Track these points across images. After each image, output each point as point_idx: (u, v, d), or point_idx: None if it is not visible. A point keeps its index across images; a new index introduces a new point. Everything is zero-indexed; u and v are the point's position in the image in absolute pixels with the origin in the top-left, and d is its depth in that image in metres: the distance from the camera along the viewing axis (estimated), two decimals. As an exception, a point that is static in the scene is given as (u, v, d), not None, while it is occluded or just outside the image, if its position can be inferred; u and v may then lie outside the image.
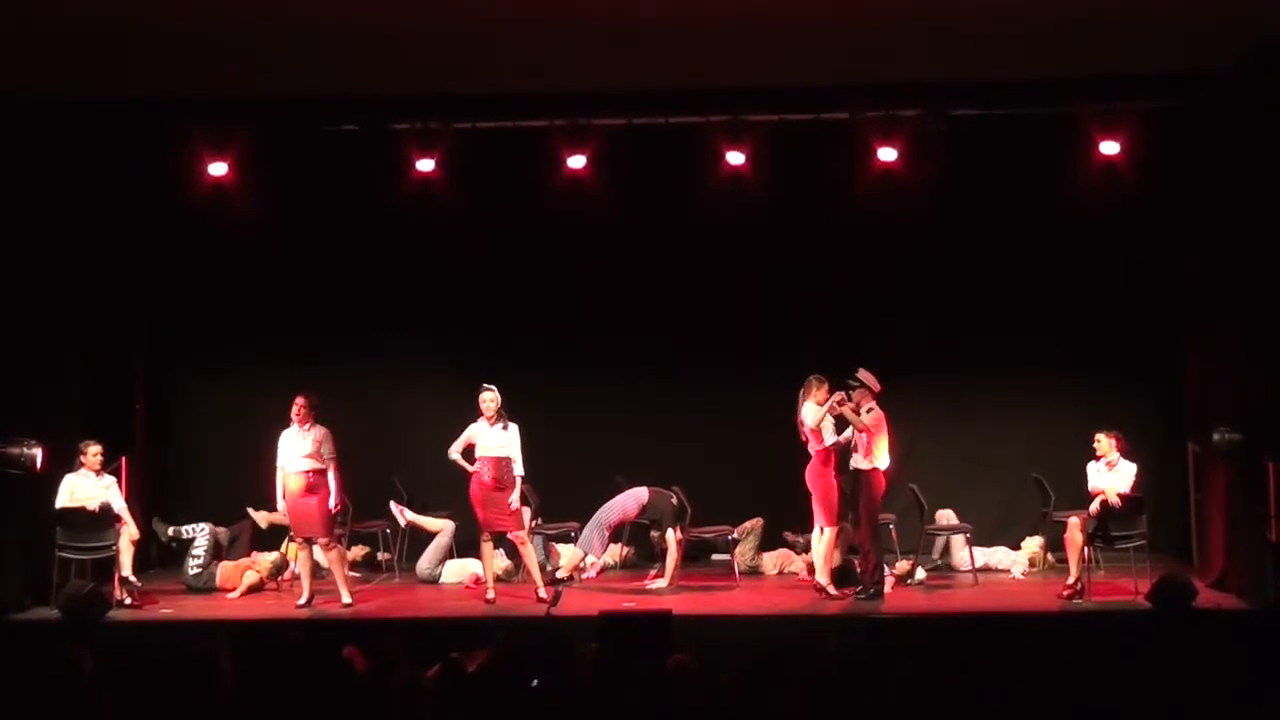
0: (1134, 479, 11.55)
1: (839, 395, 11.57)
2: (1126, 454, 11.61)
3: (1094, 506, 11.45)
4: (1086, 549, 11.43)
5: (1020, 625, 10.58)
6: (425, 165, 12.56)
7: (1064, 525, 11.71)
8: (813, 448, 11.66)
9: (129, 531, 11.71)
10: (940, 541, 13.09)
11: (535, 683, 6.68)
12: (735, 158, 12.45)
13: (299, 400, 11.52)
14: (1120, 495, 11.43)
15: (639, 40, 10.64)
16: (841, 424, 11.67)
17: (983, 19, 10.39)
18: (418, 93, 12.03)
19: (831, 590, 11.56)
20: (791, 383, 12.01)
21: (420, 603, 12.05)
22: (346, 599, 11.51)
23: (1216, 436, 11.44)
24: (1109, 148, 12.25)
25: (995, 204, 13.36)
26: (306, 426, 11.49)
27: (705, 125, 12.43)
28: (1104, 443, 11.53)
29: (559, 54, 10.98)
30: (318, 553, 11.75)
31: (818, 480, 11.63)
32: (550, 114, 12.33)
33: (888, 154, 12.37)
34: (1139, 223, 13.24)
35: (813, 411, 11.61)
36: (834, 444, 11.66)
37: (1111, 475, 11.54)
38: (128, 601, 11.57)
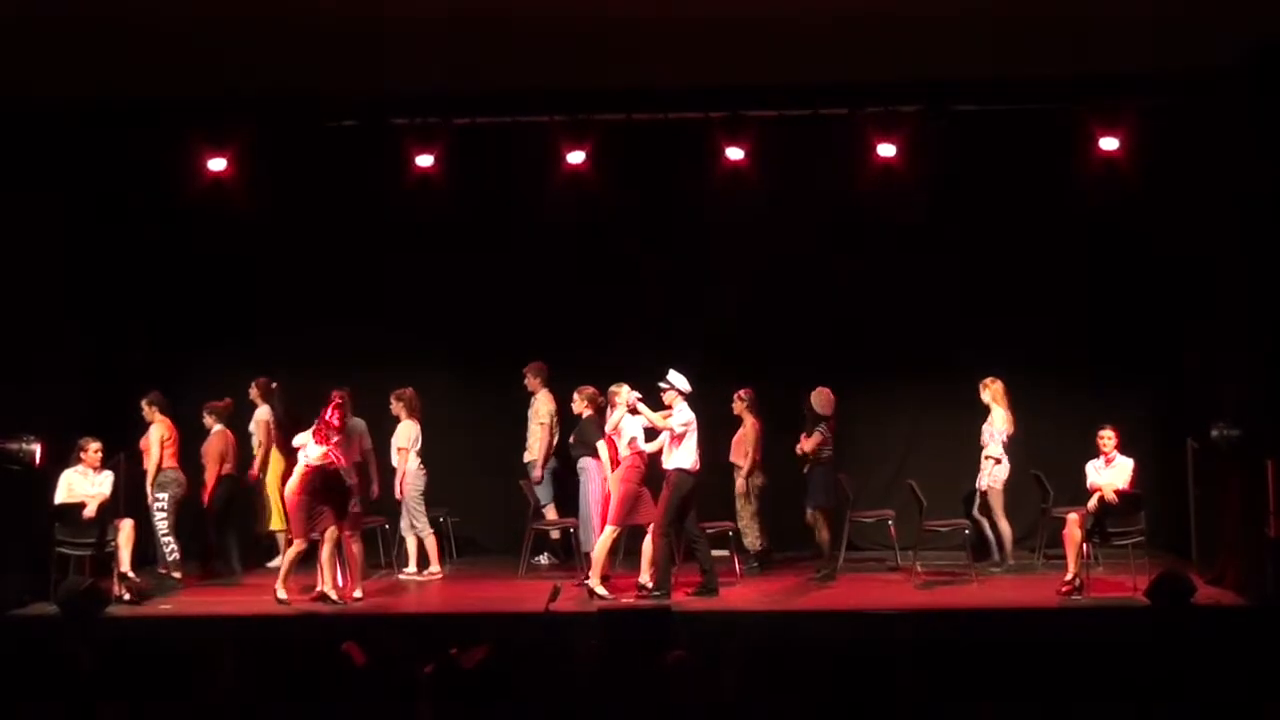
0: (1131, 474, 11.56)
1: (636, 395, 11.52)
2: (1121, 448, 11.63)
3: (1092, 503, 11.46)
4: (1085, 545, 11.44)
5: (1018, 622, 10.59)
6: (425, 161, 12.56)
7: (1062, 522, 11.72)
8: (622, 453, 11.57)
9: (127, 527, 11.72)
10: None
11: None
12: (734, 153, 12.44)
13: (337, 397, 11.57)
14: (1117, 491, 11.44)
15: (639, 37, 10.63)
16: (653, 433, 11.59)
17: (982, 16, 10.38)
18: (417, 88, 12.02)
19: (600, 590, 11.33)
20: (791, 380, 11.96)
21: (419, 599, 12.05)
22: (358, 593, 11.57)
23: (1215, 433, 11.43)
24: (1109, 144, 12.25)
25: (994, 200, 13.35)
26: (346, 423, 11.59)
27: (704, 121, 12.43)
28: (1109, 440, 11.54)
29: (558, 50, 10.97)
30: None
31: (620, 481, 11.49)
32: (550, 110, 12.33)
33: (887, 150, 12.36)
34: (1138, 220, 13.23)
35: (615, 415, 11.59)
36: (636, 446, 11.47)
37: (1110, 471, 11.55)
38: (126, 597, 11.58)
